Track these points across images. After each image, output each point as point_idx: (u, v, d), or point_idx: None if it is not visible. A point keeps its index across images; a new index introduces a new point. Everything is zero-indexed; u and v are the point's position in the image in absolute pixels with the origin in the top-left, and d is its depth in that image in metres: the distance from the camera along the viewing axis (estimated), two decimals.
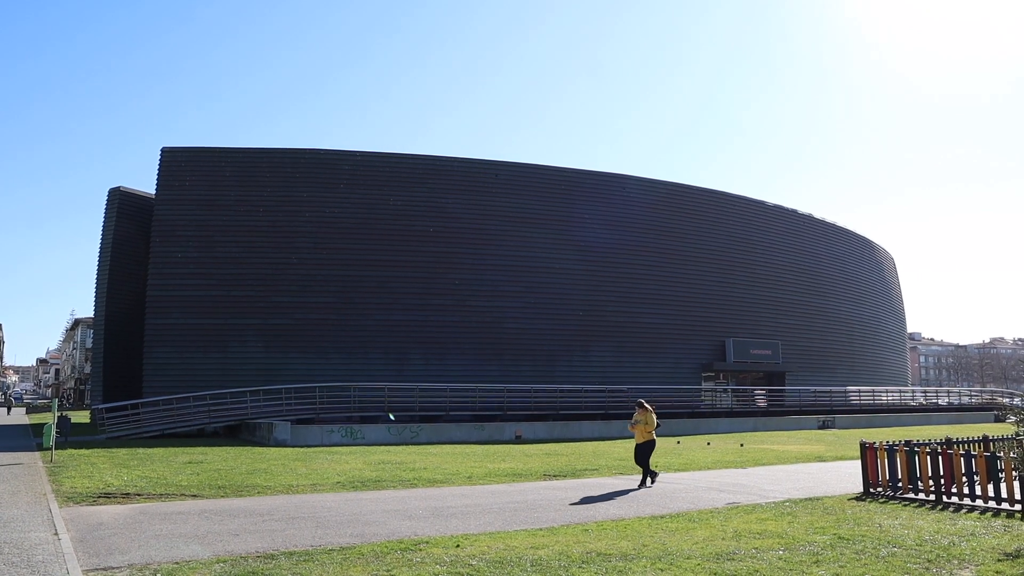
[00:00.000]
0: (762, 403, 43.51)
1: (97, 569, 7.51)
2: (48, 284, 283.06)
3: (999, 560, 7.81)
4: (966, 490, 11.64)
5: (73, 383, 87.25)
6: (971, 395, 62.68)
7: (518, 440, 29.32)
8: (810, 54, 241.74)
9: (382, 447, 25.22)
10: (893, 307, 58.72)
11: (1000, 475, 11.41)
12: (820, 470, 17.67)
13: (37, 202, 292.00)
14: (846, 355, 49.51)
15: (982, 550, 8.29)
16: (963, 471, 11.83)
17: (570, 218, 39.55)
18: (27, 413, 60.26)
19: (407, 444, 26.68)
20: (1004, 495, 11.12)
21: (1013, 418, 10.28)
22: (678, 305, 41.58)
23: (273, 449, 23.64)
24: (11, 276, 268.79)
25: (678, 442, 27.77)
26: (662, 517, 10.74)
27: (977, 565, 7.60)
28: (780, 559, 7.90)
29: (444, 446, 25.73)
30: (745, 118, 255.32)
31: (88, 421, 37.96)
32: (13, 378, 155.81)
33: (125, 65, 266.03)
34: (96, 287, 37.90)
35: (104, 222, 38.11)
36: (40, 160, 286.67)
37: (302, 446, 25.05)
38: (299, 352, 34.03)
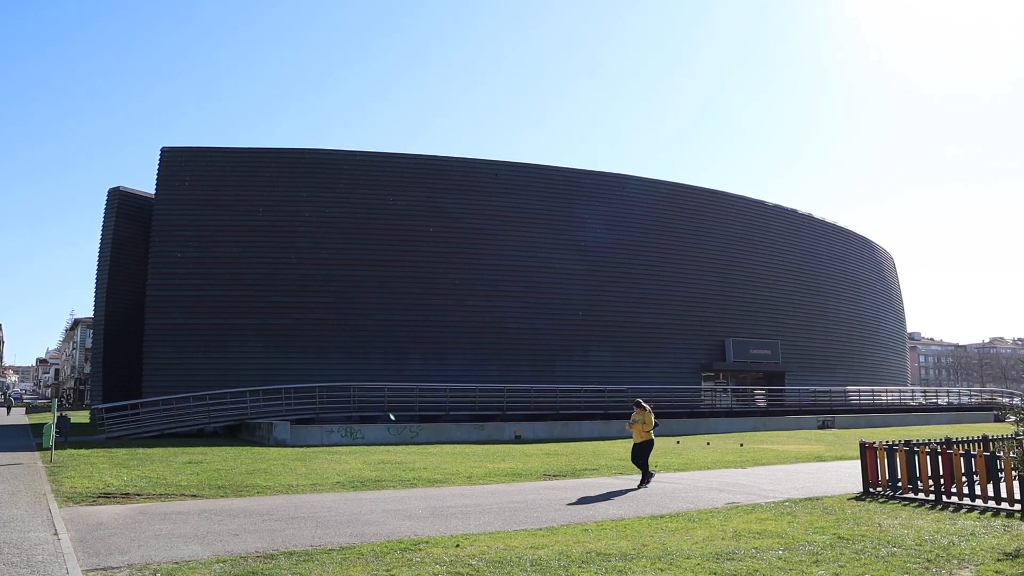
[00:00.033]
0: (762, 403, 43.52)
1: (97, 569, 7.51)
2: (48, 284, 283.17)
3: (999, 560, 7.81)
4: (966, 490, 11.65)
5: (73, 383, 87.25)
6: (971, 395, 62.69)
7: (518, 440, 29.32)
8: (810, 54, 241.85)
9: (382, 447, 25.22)
10: (893, 307, 58.74)
11: (1000, 475, 11.41)
12: (820, 470, 17.67)
13: (37, 202, 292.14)
14: (846, 355, 49.52)
15: (982, 550, 8.29)
16: (963, 471, 11.83)
17: (570, 218, 39.56)
18: (27, 413, 60.27)
19: (407, 444, 26.68)
20: (1004, 495, 11.12)
21: (1013, 418, 10.27)
22: (678, 305, 41.59)
23: (273, 449, 23.64)
24: (11, 276, 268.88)
25: (678, 442, 27.79)
26: (662, 517, 10.74)
27: (977, 565, 7.60)
28: (780, 559, 7.90)
29: (444, 446, 25.73)
30: (745, 118, 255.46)
31: (88, 421, 37.96)
32: (13, 378, 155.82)
33: (125, 65, 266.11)
34: (96, 287, 37.89)
35: (104, 222, 38.11)
36: (40, 160, 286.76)
37: (302, 446, 25.05)
38: (299, 352, 34.03)
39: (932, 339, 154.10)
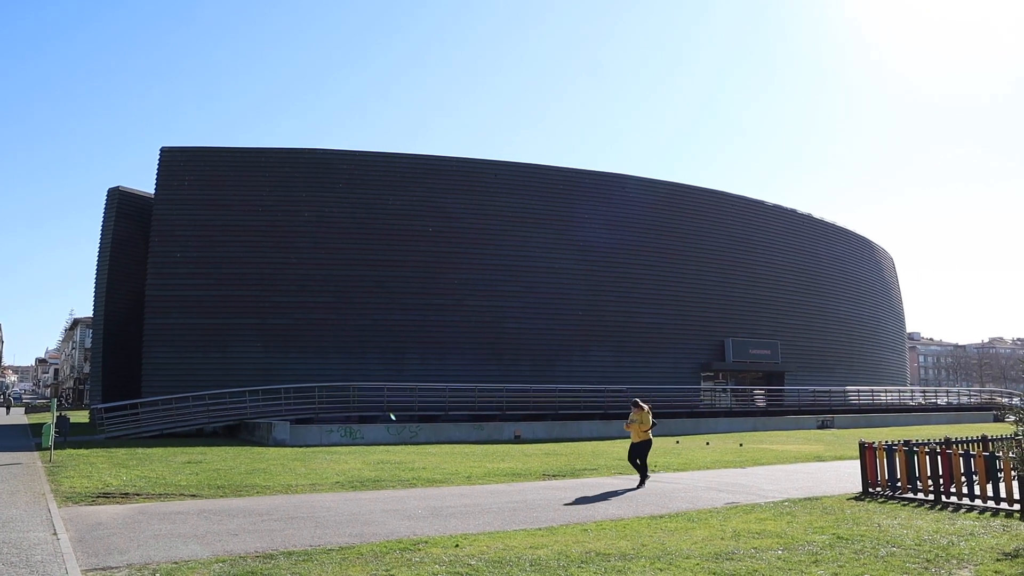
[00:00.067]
0: (761, 403, 43.53)
1: (96, 569, 7.51)
2: (47, 284, 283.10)
3: (998, 560, 7.81)
4: (965, 490, 11.65)
5: (72, 383, 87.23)
6: (970, 395, 62.70)
7: (517, 440, 29.32)
8: (810, 54, 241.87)
9: (381, 447, 25.23)
10: (892, 307, 58.75)
11: (999, 475, 11.41)
12: (819, 470, 17.68)
13: (36, 202, 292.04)
14: (845, 355, 49.54)
15: (981, 550, 8.30)
16: (962, 471, 11.84)
17: (570, 218, 39.56)
18: (26, 413, 60.25)
19: (406, 444, 26.69)
20: (1003, 495, 11.12)
21: (1012, 418, 10.28)
22: (677, 305, 41.60)
23: (272, 449, 23.64)
24: (10, 276, 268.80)
25: (677, 442, 27.80)
26: (661, 517, 10.74)
27: (976, 565, 7.61)
28: (779, 559, 7.90)
29: (443, 446, 25.74)
30: (745, 118, 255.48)
31: (87, 421, 37.95)
32: (12, 378, 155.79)
33: (125, 65, 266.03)
34: (95, 287, 37.86)
35: (103, 222, 38.10)
36: (40, 160, 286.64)
37: (301, 446, 25.05)
38: (298, 352, 34.03)
39: (931, 339, 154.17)
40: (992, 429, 26.90)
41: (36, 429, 31.11)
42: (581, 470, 17.44)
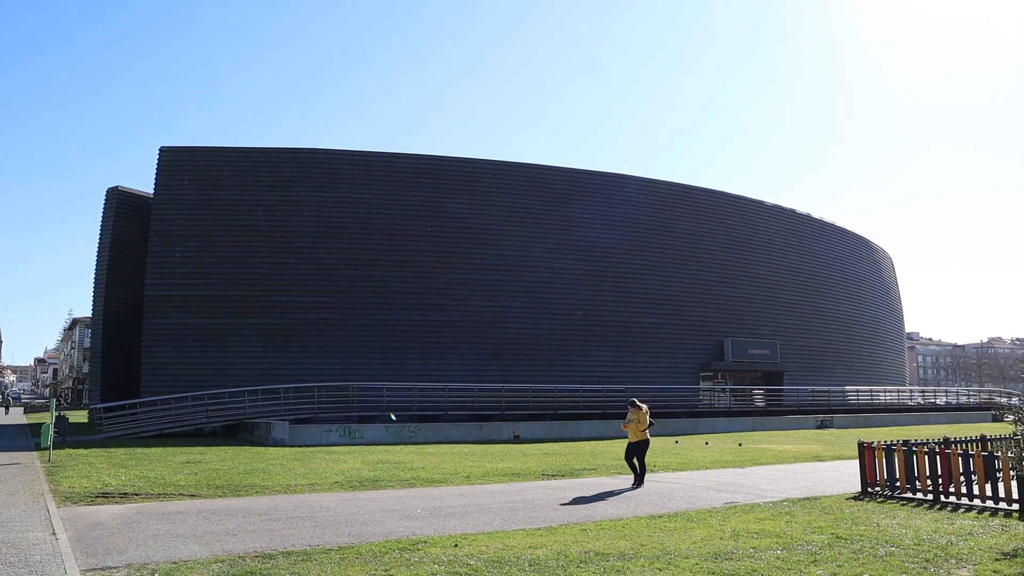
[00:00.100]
0: (760, 403, 43.55)
1: (95, 569, 7.51)
2: (46, 284, 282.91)
3: (996, 559, 7.82)
4: (964, 490, 11.66)
5: (71, 383, 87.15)
6: (969, 395, 62.74)
7: (516, 440, 29.32)
8: (810, 54, 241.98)
9: (380, 447, 25.23)
10: (891, 307, 58.79)
11: (998, 475, 11.42)
12: (818, 470, 17.69)
13: (36, 202, 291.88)
14: (844, 355, 49.56)
15: (980, 549, 8.30)
16: (961, 471, 11.85)
17: (570, 218, 39.57)
18: (25, 413, 60.20)
19: (405, 444, 26.69)
20: (1002, 495, 11.13)
21: (1011, 417, 10.29)
22: (677, 305, 41.61)
23: (271, 449, 23.64)
24: (9, 276, 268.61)
25: (676, 442, 27.81)
26: (660, 517, 10.75)
27: (975, 564, 7.61)
28: (778, 559, 7.90)
29: (442, 446, 25.74)
30: (744, 118, 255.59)
31: (86, 421, 37.92)
32: (11, 378, 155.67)
33: (124, 65, 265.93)
34: (94, 287, 37.84)
35: (102, 222, 38.07)
36: (39, 160, 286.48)
37: (300, 446, 25.05)
38: (298, 352, 34.02)
39: (930, 339, 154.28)
40: (991, 429, 26.93)
41: (35, 429, 31.10)
42: (580, 470, 17.44)
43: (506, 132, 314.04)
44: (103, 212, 38.09)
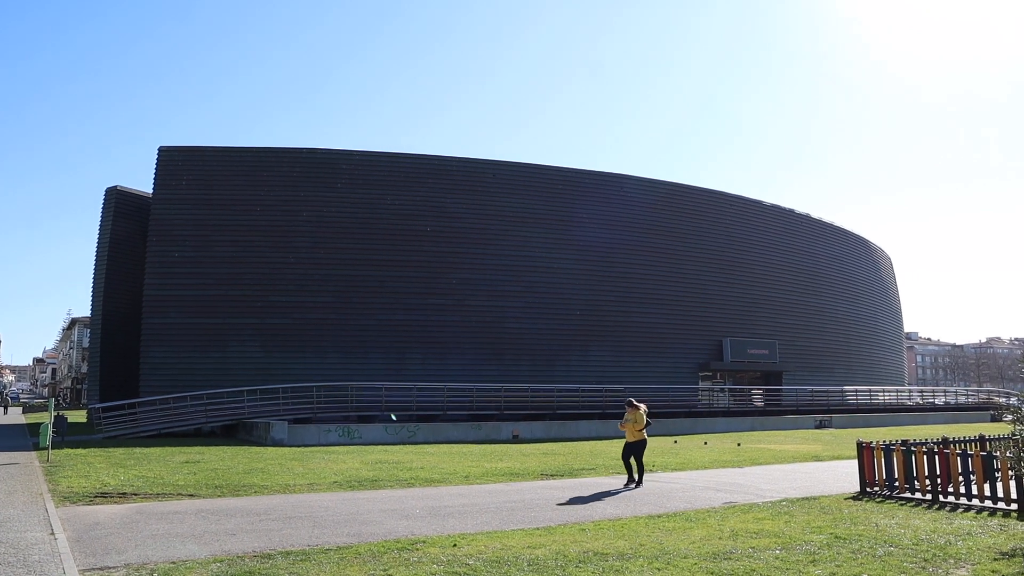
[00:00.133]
0: (759, 403, 43.59)
1: (93, 569, 7.50)
2: (45, 283, 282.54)
3: (995, 559, 7.83)
4: (962, 489, 11.68)
5: (70, 382, 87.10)
6: (968, 395, 62.82)
7: (515, 440, 29.33)
8: (808, 54, 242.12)
9: (379, 447, 25.23)
10: (890, 307, 58.85)
11: (996, 474, 11.44)
12: (817, 469, 17.70)
13: (34, 201, 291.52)
14: (843, 355, 49.60)
15: (978, 549, 8.31)
16: (959, 470, 11.86)
17: (569, 218, 39.58)
18: (23, 413, 60.18)
19: (404, 444, 26.69)
20: (1000, 494, 11.15)
21: (1009, 417, 10.30)
22: (676, 305, 41.64)
23: (270, 449, 23.64)
24: (8, 275, 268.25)
25: (675, 441, 27.84)
26: (659, 517, 10.76)
27: (973, 564, 7.62)
28: (777, 558, 7.91)
29: (441, 445, 25.75)
30: (743, 118, 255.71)
31: (85, 421, 37.85)
32: (10, 377, 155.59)
33: (123, 64, 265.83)
34: (93, 286, 37.80)
35: (101, 221, 38.04)
36: (37, 159, 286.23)
37: (299, 446, 25.05)
38: (297, 352, 34.01)
39: (929, 339, 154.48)
40: (989, 429, 26.98)
41: (34, 429, 31.09)
42: (579, 470, 17.45)
43: (505, 132, 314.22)
44: (102, 212, 38.07)
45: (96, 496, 12.67)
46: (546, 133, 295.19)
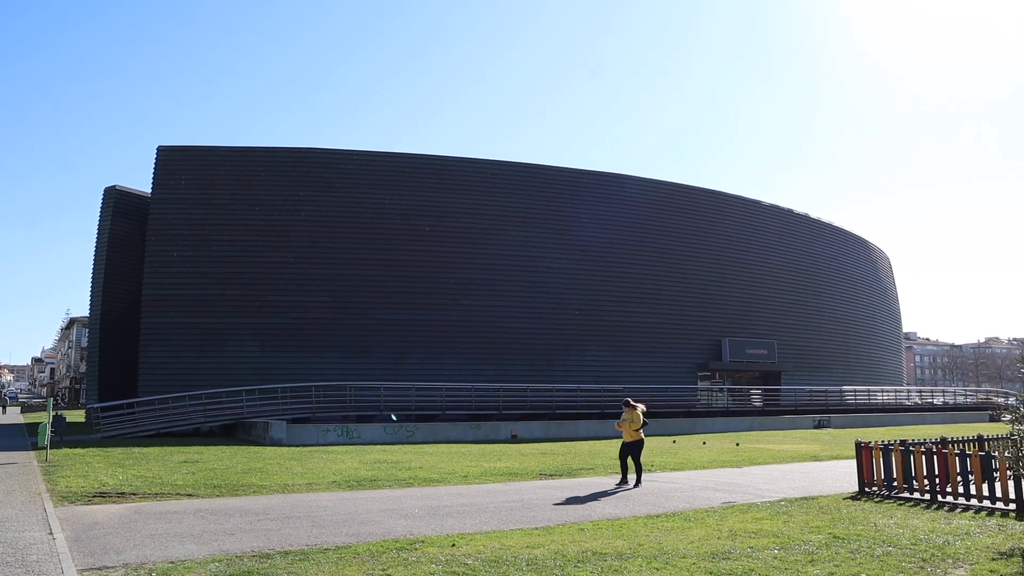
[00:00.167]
0: (758, 403, 43.59)
1: (92, 569, 7.50)
2: (43, 283, 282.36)
3: (993, 559, 7.83)
4: (961, 489, 11.69)
5: (68, 382, 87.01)
6: (966, 395, 62.88)
7: (514, 439, 29.33)
8: (807, 54, 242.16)
9: (378, 446, 25.22)
10: (889, 307, 58.89)
11: (995, 475, 11.45)
12: (815, 469, 17.71)
13: (33, 201, 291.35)
14: (842, 355, 49.63)
15: (976, 549, 8.32)
16: (958, 471, 11.87)
17: (568, 218, 39.58)
18: (22, 412, 60.11)
19: (403, 443, 26.69)
20: (999, 494, 11.16)
21: (1008, 417, 10.31)
22: (675, 305, 41.65)
23: (269, 448, 23.63)
24: (6, 275, 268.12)
25: (674, 441, 27.86)
26: (658, 516, 10.76)
27: (972, 564, 7.63)
28: (776, 558, 7.91)
29: (440, 445, 25.74)
30: (742, 118, 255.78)
31: (83, 420, 37.84)
32: (8, 377, 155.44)
33: (122, 64, 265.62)
34: (92, 286, 37.79)
35: (100, 221, 38.00)
36: (36, 159, 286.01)
37: (298, 445, 25.04)
38: (295, 351, 33.99)
39: (928, 339, 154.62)
40: (988, 429, 27.00)
41: (32, 428, 31.05)
42: (578, 470, 17.45)
43: (505, 132, 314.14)
44: (101, 211, 38.04)
45: (95, 496, 12.66)
46: (546, 133, 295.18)
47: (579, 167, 44.44)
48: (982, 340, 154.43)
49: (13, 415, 55.22)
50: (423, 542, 8.78)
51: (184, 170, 35.17)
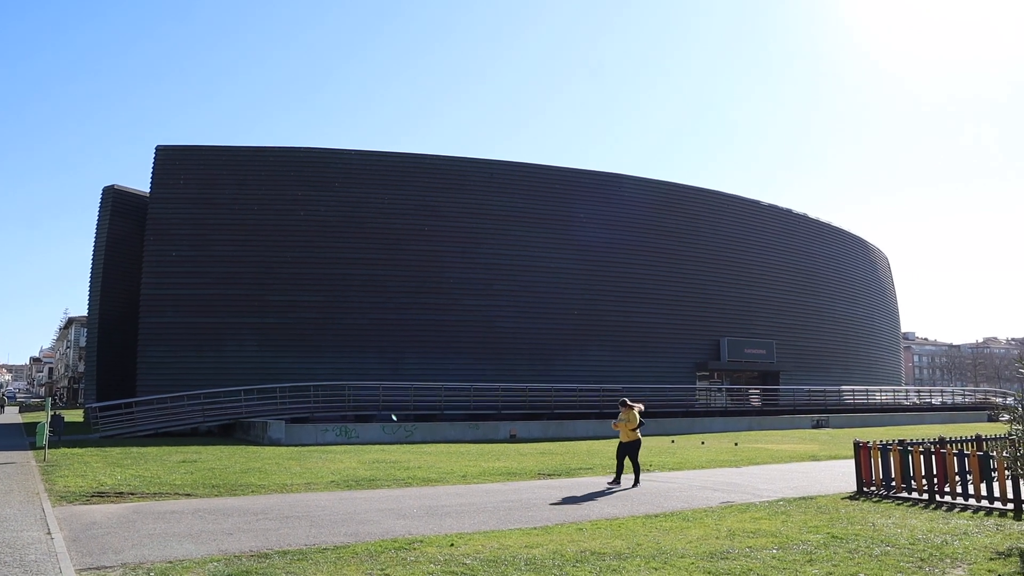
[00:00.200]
0: (756, 402, 43.60)
1: (90, 568, 7.49)
2: (42, 282, 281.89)
3: (991, 559, 7.84)
4: (959, 489, 11.69)
5: (67, 382, 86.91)
6: (964, 395, 62.93)
7: (513, 439, 29.34)
8: (806, 54, 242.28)
9: (376, 446, 25.22)
10: (887, 307, 58.93)
11: (993, 474, 11.45)
12: (814, 469, 17.72)
13: (31, 200, 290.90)
14: (840, 354, 49.66)
15: (975, 549, 8.33)
16: (956, 470, 11.88)
17: (566, 217, 39.58)
18: (20, 412, 60.05)
19: (401, 443, 26.68)
20: (997, 494, 11.17)
21: (1006, 417, 10.32)
22: (673, 304, 41.67)
23: (267, 448, 23.62)
24: (5, 274, 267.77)
25: (672, 441, 27.86)
26: (656, 516, 10.76)
27: (970, 564, 7.64)
28: (774, 558, 7.92)
29: (439, 445, 25.74)
30: (741, 118, 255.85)
31: (82, 420, 37.83)
32: (6, 377, 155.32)
33: (120, 63, 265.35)
34: (90, 285, 37.77)
35: (98, 220, 37.97)
36: (35, 158, 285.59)
37: (296, 445, 25.03)
38: (294, 351, 33.97)
39: (926, 339, 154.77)
40: (986, 429, 27.02)
41: (30, 428, 31.03)
42: (576, 469, 17.46)
43: (505, 132, 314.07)
44: (99, 211, 38.01)
45: (93, 495, 12.65)
46: (545, 133, 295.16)
47: (578, 167, 44.48)
48: (980, 340, 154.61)
49: (11, 415, 55.16)
50: (421, 542, 8.78)
51: (183, 170, 35.15)
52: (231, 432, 29.78)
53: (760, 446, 25.31)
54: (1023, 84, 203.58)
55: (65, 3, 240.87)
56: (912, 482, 12.40)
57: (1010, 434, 9.89)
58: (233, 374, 31.80)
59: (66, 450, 21.31)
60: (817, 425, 39.24)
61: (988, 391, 68.14)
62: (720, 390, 43.90)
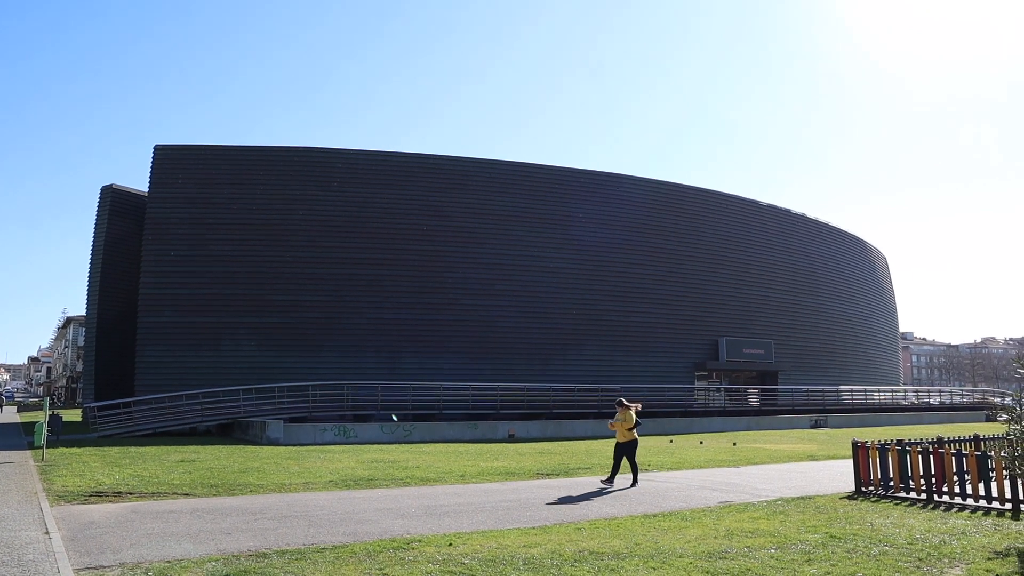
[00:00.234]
0: (755, 402, 43.61)
1: (88, 568, 7.48)
2: (40, 282, 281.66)
3: (989, 558, 7.85)
4: (957, 489, 11.70)
5: (65, 381, 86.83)
6: (962, 395, 62.96)
7: (511, 439, 29.33)
8: (805, 54, 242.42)
9: (375, 446, 25.21)
10: (885, 307, 58.97)
11: (991, 474, 11.47)
12: (812, 469, 17.73)
13: (30, 200, 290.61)
14: (839, 354, 49.69)
15: (973, 548, 8.33)
16: (954, 470, 11.89)
17: (565, 217, 39.57)
18: (18, 412, 60.00)
19: (400, 443, 26.67)
20: (995, 494, 11.18)
21: (1004, 417, 10.33)
22: (672, 304, 41.68)
23: (266, 448, 23.60)
24: (3, 274, 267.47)
25: (671, 441, 27.86)
26: (654, 516, 10.76)
27: (968, 563, 7.64)
28: (772, 558, 7.92)
29: (437, 445, 25.73)
30: (740, 118, 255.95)
31: (80, 419, 37.81)
32: (4, 376, 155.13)
33: (119, 63, 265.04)
34: (88, 285, 37.73)
35: (96, 220, 37.92)
36: (33, 158, 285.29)
37: (295, 445, 25.02)
38: (293, 351, 33.95)
39: (924, 339, 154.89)
40: (984, 429, 27.06)
41: (28, 428, 30.99)
42: (575, 469, 17.46)
43: (504, 132, 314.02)
44: (97, 210, 37.96)
45: (91, 495, 12.64)
46: (545, 133, 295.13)
47: (578, 167, 44.46)
48: (978, 340, 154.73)
49: (9, 414, 55.12)
50: (420, 541, 8.78)
51: (181, 169, 35.11)
52: (229, 432, 29.75)
53: (758, 446, 25.31)
54: (1023, 84, 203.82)
55: (65, 3, 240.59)
56: (910, 482, 12.41)
57: (1008, 434, 9.91)
58: (231, 374, 31.78)
59: (64, 450, 21.28)
60: (815, 425, 39.26)
61: (986, 391, 68.19)
62: (719, 390, 43.90)
